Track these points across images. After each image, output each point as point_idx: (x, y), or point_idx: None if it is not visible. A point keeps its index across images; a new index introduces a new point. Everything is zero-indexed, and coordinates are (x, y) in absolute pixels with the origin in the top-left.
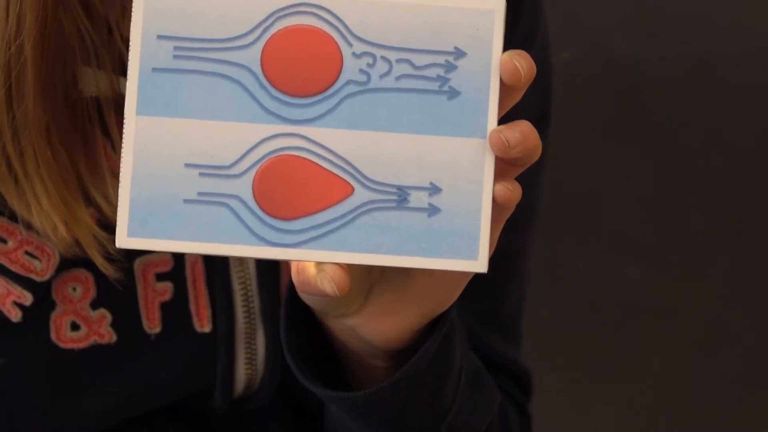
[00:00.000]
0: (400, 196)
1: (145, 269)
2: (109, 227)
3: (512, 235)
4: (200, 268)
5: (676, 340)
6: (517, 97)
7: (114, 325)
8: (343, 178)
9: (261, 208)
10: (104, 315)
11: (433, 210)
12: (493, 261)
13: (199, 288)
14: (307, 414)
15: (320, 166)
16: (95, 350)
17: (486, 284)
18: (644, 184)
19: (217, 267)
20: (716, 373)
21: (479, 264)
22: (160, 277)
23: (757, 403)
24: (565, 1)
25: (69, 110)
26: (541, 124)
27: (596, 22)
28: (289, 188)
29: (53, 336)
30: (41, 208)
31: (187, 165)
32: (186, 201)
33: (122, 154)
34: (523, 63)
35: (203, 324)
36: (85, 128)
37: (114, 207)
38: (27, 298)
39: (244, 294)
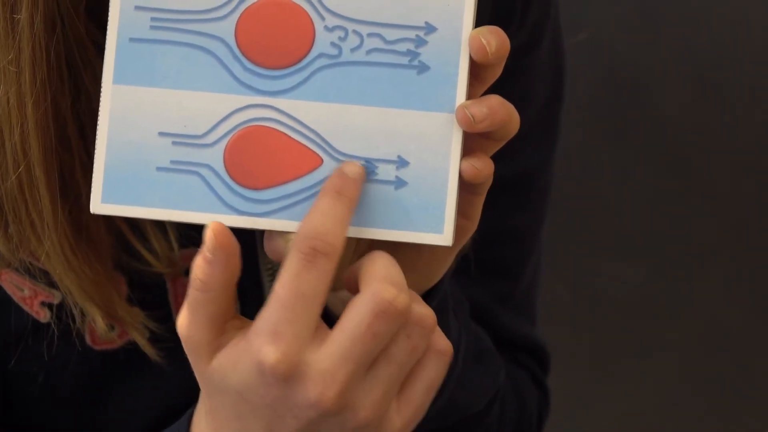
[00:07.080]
0: (368, 169)
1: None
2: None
3: (526, 215)
4: None
5: (676, 340)
6: (496, 73)
7: None
8: (312, 150)
9: (231, 177)
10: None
11: (399, 183)
12: (508, 241)
13: None
14: None
15: (290, 137)
16: (130, 350)
17: (502, 265)
18: (644, 184)
19: (245, 260)
20: (716, 373)
21: (444, 237)
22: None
23: (757, 403)
24: (565, 2)
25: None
26: (554, 103)
27: (596, 22)
28: (260, 158)
29: (88, 338)
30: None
31: (161, 133)
32: (159, 169)
33: (98, 122)
34: (491, 39)
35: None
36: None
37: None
38: (56, 296)
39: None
